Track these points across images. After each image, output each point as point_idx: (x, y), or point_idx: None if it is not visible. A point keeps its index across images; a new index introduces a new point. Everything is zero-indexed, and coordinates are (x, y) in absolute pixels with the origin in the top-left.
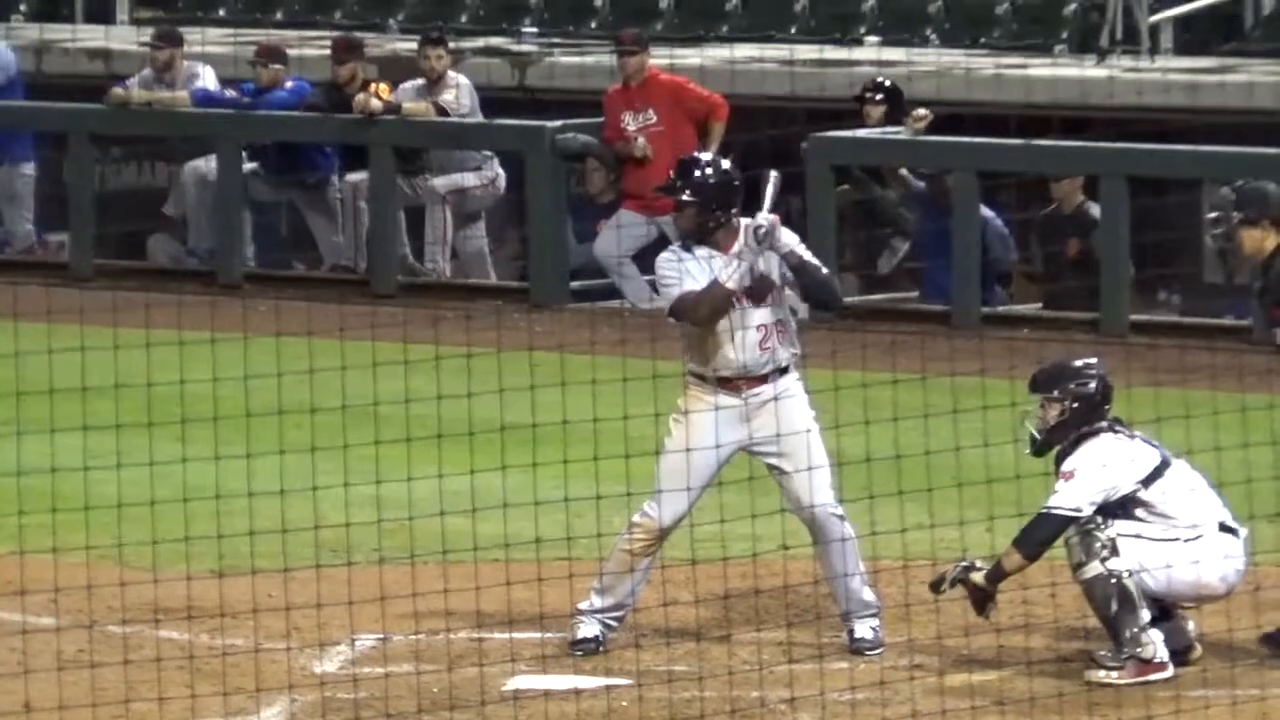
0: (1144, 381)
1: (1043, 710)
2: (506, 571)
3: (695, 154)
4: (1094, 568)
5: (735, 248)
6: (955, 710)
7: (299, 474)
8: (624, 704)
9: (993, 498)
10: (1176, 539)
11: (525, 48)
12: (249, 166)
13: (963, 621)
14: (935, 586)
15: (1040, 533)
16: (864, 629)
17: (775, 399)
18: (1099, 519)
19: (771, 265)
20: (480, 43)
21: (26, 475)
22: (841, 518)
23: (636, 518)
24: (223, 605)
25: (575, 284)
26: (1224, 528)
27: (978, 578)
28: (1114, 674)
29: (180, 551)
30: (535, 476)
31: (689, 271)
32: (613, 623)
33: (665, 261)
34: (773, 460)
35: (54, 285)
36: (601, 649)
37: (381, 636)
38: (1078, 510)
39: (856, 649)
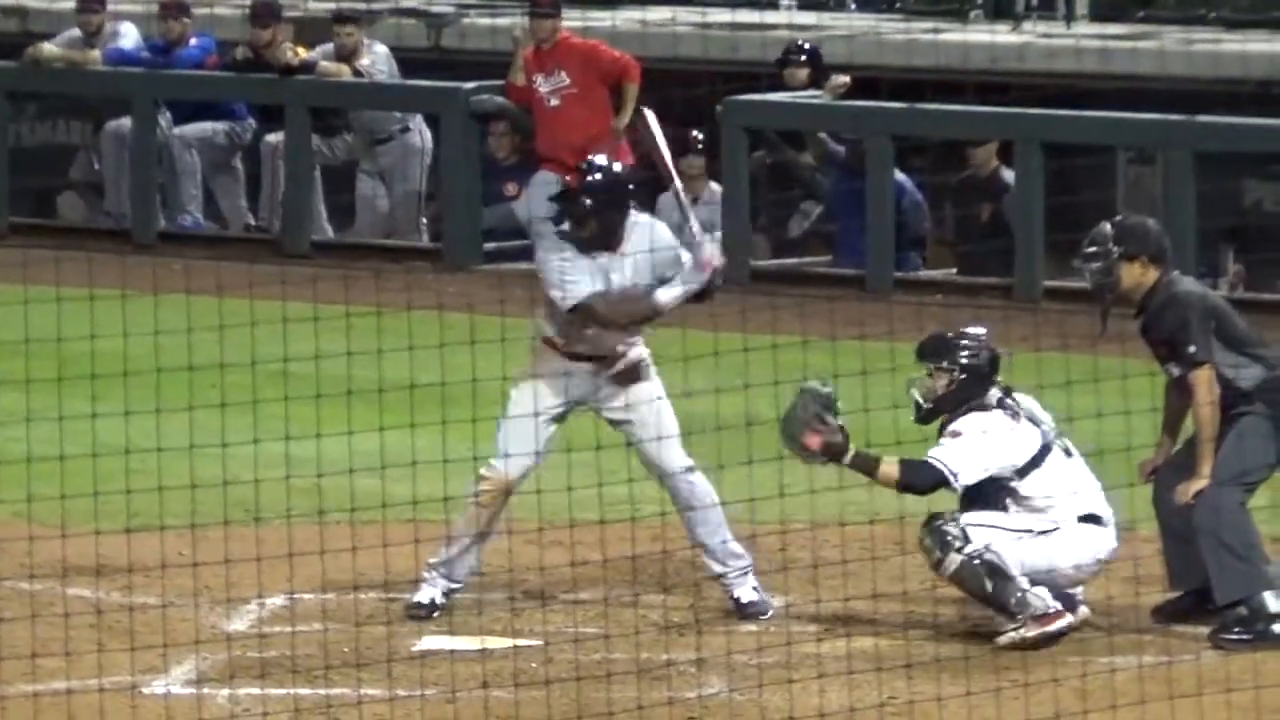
0: (1053, 347)
1: (950, 673)
2: (415, 531)
3: (589, 160)
4: (954, 559)
5: (625, 247)
6: (861, 673)
7: (208, 432)
8: (532, 665)
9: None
10: (1029, 530)
11: (440, 9)
12: (180, 130)
13: (870, 586)
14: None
15: (920, 475)
16: (745, 590)
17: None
18: (946, 513)
19: (643, 270)
20: (395, 3)
21: None
22: (692, 482)
23: (484, 471)
24: (131, 562)
25: (488, 245)
26: (1085, 518)
27: (838, 443)
28: (1020, 631)
29: (89, 508)
30: (445, 436)
31: (583, 269)
32: (456, 585)
33: (562, 257)
34: (623, 428)
35: None
36: (438, 613)
37: (290, 595)
38: (956, 475)
39: (746, 614)
